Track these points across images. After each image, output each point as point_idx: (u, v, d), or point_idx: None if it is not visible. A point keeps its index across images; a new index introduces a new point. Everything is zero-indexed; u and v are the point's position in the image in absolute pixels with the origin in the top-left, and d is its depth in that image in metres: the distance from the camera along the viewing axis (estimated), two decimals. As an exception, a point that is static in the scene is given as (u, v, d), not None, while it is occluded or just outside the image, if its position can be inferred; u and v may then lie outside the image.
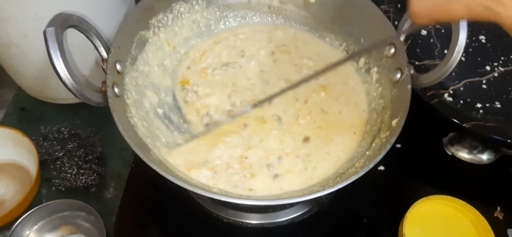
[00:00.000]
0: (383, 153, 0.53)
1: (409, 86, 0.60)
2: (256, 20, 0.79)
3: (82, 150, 0.76)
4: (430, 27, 0.80)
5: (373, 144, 0.59)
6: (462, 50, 0.55)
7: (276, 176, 0.60)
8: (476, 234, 0.64)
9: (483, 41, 0.80)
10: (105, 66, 0.57)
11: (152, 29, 0.68)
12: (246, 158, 0.62)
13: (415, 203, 0.65)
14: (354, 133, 0.65)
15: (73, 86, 0.50)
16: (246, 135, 0.64)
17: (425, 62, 0.74)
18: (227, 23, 0.78)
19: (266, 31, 0.78)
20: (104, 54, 0.58)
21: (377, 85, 0.67)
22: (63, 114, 0.84)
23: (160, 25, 0.69)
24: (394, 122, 0.58)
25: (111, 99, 0.54)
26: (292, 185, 0.59)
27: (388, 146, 0.54)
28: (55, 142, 0.77)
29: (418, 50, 0.76)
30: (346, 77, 0.72)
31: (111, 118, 0.53)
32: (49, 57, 0.48)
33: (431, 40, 0.78)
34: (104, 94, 0.55)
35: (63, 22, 0.50)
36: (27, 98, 0.85)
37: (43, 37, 0.48)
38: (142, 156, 0.50)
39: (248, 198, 0.55)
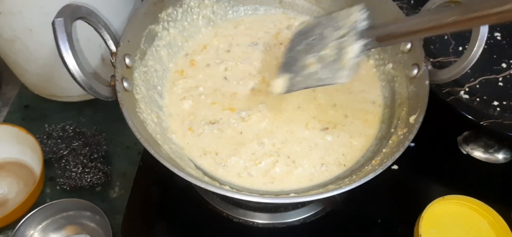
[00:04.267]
0: (402, 150, 0.51)
1: (427, 82, 0.58)
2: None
3: (87, 148, 0.74)
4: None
5: (390, 141, 0.57)
6: (483, 44, 0.53)
7: (288, 173, 0.58)
8: (494, 235, 0.63)
9: (499, 38, 0.78)
10: (114, 59, 0.56)
11: (161, 23, 0.66)
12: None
13: (431, 203, 0.63)
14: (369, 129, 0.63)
15: (82, 79, 0.48)
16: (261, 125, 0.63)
17: (439, 59, 0.73)
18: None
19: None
20: (113, 48, 0.56)
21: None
22: (67, 112, 0.82)
23: (170, 19, 0.67)
24: (411, 119, 0.56)
25: (121, 93, 0.53)
26: (307, 181, 0.57)
27: (407, 143, 0.52)
28: (59, 141, 0.76)
29: (432, 47, 0.75)
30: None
31: (116, 116, 0.52)
32: (57, 49, 0.46)
33: (446, 37, 0.77)
34: (113, 88, 0.53)
35: (72, 14, 0.49)
36: (31, 95, 0.84)
37: (48, 33, 0.46)
38: (152, 152, 0.48)
39: (261, 195, 0.53)
